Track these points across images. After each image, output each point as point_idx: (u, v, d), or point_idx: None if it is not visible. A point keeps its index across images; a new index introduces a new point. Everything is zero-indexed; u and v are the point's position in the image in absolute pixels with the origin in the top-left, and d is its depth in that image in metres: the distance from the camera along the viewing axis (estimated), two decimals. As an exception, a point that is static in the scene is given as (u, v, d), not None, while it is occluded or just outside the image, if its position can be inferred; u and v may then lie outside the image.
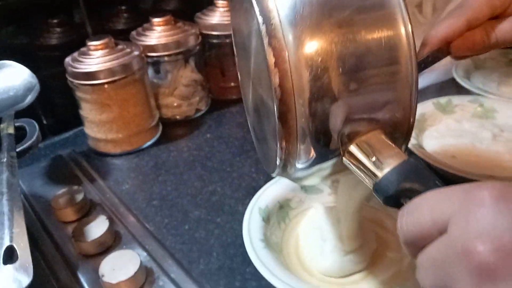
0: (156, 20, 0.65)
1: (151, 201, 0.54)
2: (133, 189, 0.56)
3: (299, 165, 0.30)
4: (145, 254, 0.45)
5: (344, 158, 0.30)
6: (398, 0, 0.28)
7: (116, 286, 0.39)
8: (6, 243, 0.31)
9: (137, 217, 0.51)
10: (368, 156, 0.28)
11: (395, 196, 0.27)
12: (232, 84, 0.73)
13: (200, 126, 0.69)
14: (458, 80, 0.64)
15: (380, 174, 0.27)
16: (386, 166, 0.27)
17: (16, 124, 0.47)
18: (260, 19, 0.27)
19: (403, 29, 0.27)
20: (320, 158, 0.30)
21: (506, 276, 0.19)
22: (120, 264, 0.41)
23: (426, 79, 0.68)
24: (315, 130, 0.28)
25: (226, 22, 0.68)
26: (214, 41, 0.70)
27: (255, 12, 0.27)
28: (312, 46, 0.26)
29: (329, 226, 0.41)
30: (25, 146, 0.44)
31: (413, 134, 0.53)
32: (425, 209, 0.24)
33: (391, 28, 0.27)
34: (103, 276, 0.40)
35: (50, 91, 0.68)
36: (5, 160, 0.39)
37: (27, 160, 0.63)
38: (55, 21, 0.68)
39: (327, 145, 0.29)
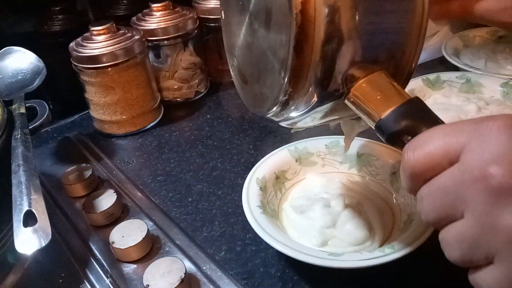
0: (155, 5, 0.67)
1: (156, 177, 0.57)
2: (138, 167, 0.59)
3: (300, 103, 0.30)
4: (151, 224, 0.48)
5: (346, 99, 0.30)
6: None
7: (125, 251, 0.43)
8: (25, 208, 0.34)
9: (143, 191, 0.54)
10: (372, 95, 0.29)
11: (399, 133, 0.27)
12: (230, 66, 0.76)
13: (200, 107, 0.72)
14: (447, 57, 0.66)
15: (383, 112, 0.28)
16: (390, 105, 0.28)
17: (27, 105, 0.49)
18: None
19: None
20: (323, 98, 0.30)
21: None
22: (129, 232, 0.44)
23: (416, 57, 0.70)
24: (326, 66, 0.28)
25: (223, 6, 0.70)
26: (212, 24, 0.72)
27: None
28: None
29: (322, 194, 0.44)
30: (37, 123, 0.47)
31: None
32: (436, 141, 0.24)
33: None
34: (113, 243, 0.43)
35: (55, 77, 0.70)
36: (19, 136, 0.42)
37: (36, 142, 0.66)
38: (58, 8, 0.70)
39: (329, 87, 0.29)
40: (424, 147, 0.25)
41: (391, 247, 0.37)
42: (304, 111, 0.31)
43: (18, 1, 0.70)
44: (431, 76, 0.62)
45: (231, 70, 0.41)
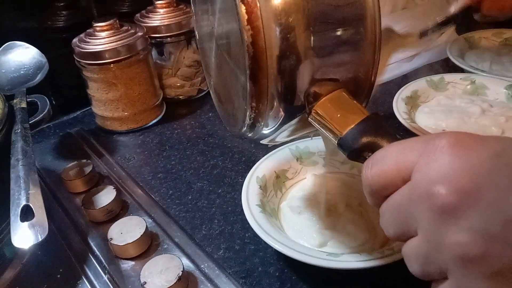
0: (159, 2, 0.67)
1: (156, 174, 0.56)
2: (139, 163, 0.59)
3: (267, 124, 0.31)
4: (150, 221, 0.48)
5: (310, 117, 0.31)
6: None
7: (123, 248, 0.42)
8: (23, 202, 0.34)
9: (143, 188, 0.54)
10: (332, 114, 0.30)
11: (359, 150, 0.28)
12: (233, 65, 0.76)
13: (203, 105, 0.71)
14: (452, 59, 0.66)
15: (343, 130, 0.29)
16: (349, 123, 0.29)
17: (28, 100, 0.49)
18: None
19: None
20: (288, 117, 0.31)
21: (465, 213, 0.22)
22: (127, 229, 0.44)
23: (421, 58, 0.70)
24: (284, 89, 0.29)
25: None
26: (216, 22, 0.72)
27: None
28: (283, 2, 0.27)
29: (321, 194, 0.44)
30: (38, 118, 0.46)
31: (406, 110, 0.56)
32: (389, 159, 0.25)
33: None
34: (111, 239, 0.43)
35: (58, 72, 0.70)
36: (19, 131, 0.41)
37: (37, 138, 0.67)
38: (61, 4, 0.70)
39: (294, 105, 0.30)
40: (379, 165, 0.26)
41: (391, 248, 0.37)
42: (273, 128, 0.32)
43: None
44: (435, 78, 0.61)
45: (209, 87, 0.42)
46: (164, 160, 0.59)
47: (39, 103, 0.49)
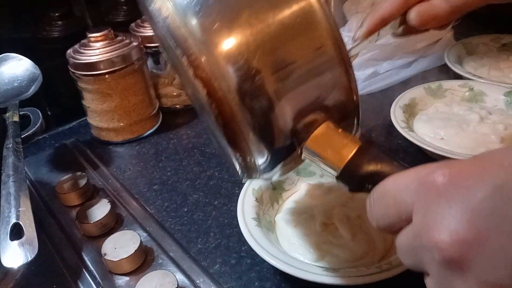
0: (154, 11, 0.67)
1: (152, 185, 0.56)
2: (134, 175, 0.58)
3: (262, 171, 0.30)
4: (145, 235, 0.47)
5: (302, 156, 0.30)
6: None
7: (117, 264, 0.42)
8: (13, 220, 0.33)
9: (138, 200, 0.53)
10: (323, 151, 0.28)
11: (358, 184, 0.27)
12: (230, 73, 0.75)
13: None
14: (450, 65, 0.65)
15: (339, 166, 0.28)
16: (343, 157, 0.27)
17: (21, 113, 0.49)
18: (165, 35, 0.26)
19: (316, 5, 0.26)
20: (280, 160, 0.30)
21: (470, 264, 0.20)
22: (122, 243, 0.43)
23: (418, 65, 0.69)
24: (266, 138, 0.27)
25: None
26: (211, 31, 0.71)
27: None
28: (228, 45, 0.25)
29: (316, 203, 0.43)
30: (29, 132, 0.46)
31: (404, 118, 0.55)
32: (389, 198, 0.24)
33: (301, 5, 0.26)
34: (105, 254, 0.42)
35: (53, 83, 0.70)
36: (10, 145, 0.41)
37: (33, 149, 0.66)
38: (56, 14, 0.70)
39: (281, 147, 0.29)
40: (380, 204, 0.25)
41: (389, 263, 0.36)
42: (271, 172, 0.31)
43: (16, 7, 0.69)
44: (433, 85, 0.61)
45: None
46: (160, 171, 0.58)
47: (31, 116, 0.49)
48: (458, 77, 0.64)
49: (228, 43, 0.25)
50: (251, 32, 0.25)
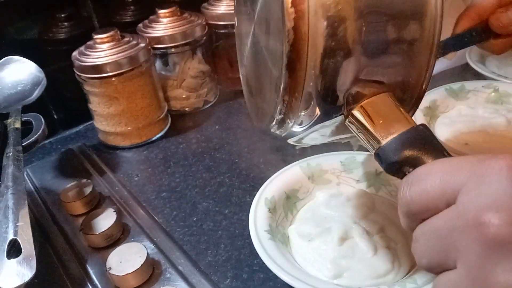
0: (162, 11, 0.64)
1: (160, 193, 0.54)
2: (142, 182, 0.56)
3: (298, 121, 0.28)
4: (152, 246, 0.45)
5: (347, 120, 0.28)
6: None
7: (123, 279, 0.39)
8: (10, 236, 0.31)
9: (146, 209, 0.51)
10: (373, 119, 0.26)
11: (399, 164, 0.25)
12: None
13: (209, 117, 0.69)
14: (472, 65, 0.62)
15: (384, 139, 0.26)
16: (393, 131, 0.26)
17: (23, 119, 0.47)
18: None
19: None
20: (322, 117, 0.28)
21: None
22: (127, 257, 0.41)
23: (438, 64, 0.66)
24: (323, 86, 0.26)
25: (233, 12, 0.67)
26: (221, 31, 0.69)
27: None
28: None
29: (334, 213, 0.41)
30: (30, 140, 0.44)
31: (425, 121, 0.52)
32: (433, 178, 0.22)
33: None
34: (110, 268, 0.40)
35: (60, 85, 0.68)
36: (11, 154, 0.39)
37: (38, 154, 0.64)
38: (62, 15, 0.68)
39: (332, 104, 0.27)
40: (421, 184, 0.23)
41: (413, 281, 0.33)
42: (304, 127, 0.29)
43: (22, 8, 0.67)
44: (455, 86, 0.58)
45: (241, 79, 0.39)
46: (168, 178, 0.56)
47: (33, 122, 0.47)
48: (482, 77, 0.60)
49: None
50: None
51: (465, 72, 0.64)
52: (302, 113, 0.28)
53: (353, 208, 0.42)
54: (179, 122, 0.68)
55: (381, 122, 0.26)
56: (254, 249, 0.38)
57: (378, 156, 0.26)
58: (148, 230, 0.47)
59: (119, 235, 0.46)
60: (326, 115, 0.28)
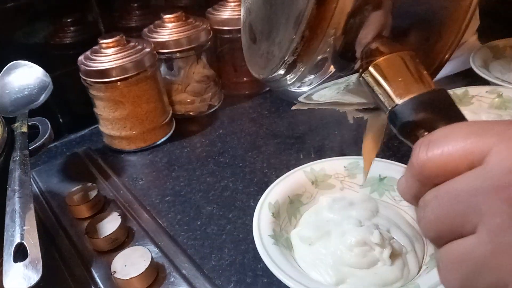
0: (167, 16, 0.65)
1: (164, 197, 0.54)
2: (147, 185, 0.57)
3: (310, 67, 0.26)
4: (157, 250, 0.45)
5: (363, 74, 0.26)
6: None
7: (127, 282, 0.40)
8: (17, 240, 0.32)
9: (150, 213, 0.51)
10: (393, 75, 0.25)
11: (414, 124, 0.23)
12: (245, 79, 0.73)
13: (213, 121, 0.69)
14: (476, 70, 0.62)
15: (403, 97, 0.24)
16: (412, 90, 0.24)
17: (30, 123, 0.47)
18: None
19: None
20: (337, 66, 0.26)
21: None
22: (132, 261, 0.41)
23: (442, 70, 0.66)
24: (346, 29, 0.24)
25: (238, 17, 0.68)
26: (226, 36, 0.69)
27: None
28: None
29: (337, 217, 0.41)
30: (37, 144, 0.44)
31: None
32: (457, 139, 0.20)
33: None
34: (115, 272, 0.40)
35: (66, 89, 0.69)
36: (17, 158, 0.39)
37: (44, 158, 0.65)
38: (69, 20, 0.68)
39: (349, 48, 0.25)
40: (442, 144, 0.21)
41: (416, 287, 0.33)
42: (313, 77, 0.27)
43: (28, 13, 0.68)
44: (459, 91, 0.58)
45: (241, 28, 0.37)
46: (172, 182, 0.57)
47: (40, 126, 0.47)
48: (485, 82, 0.60)
49: None
50: None
51: (469, 77, 0.64)
52: (319, 58, 0.26)
53: (356, 212, 0.42)
54: (183, 126, 0.68)
55: (400, 79, 0.25)
56: (258, 253, 0.38)
57: (394, 114, 0.24)
58: (152, 234, 0.48)
59: (123, 239, 0.46)
60: (336, 69, 0.26)
